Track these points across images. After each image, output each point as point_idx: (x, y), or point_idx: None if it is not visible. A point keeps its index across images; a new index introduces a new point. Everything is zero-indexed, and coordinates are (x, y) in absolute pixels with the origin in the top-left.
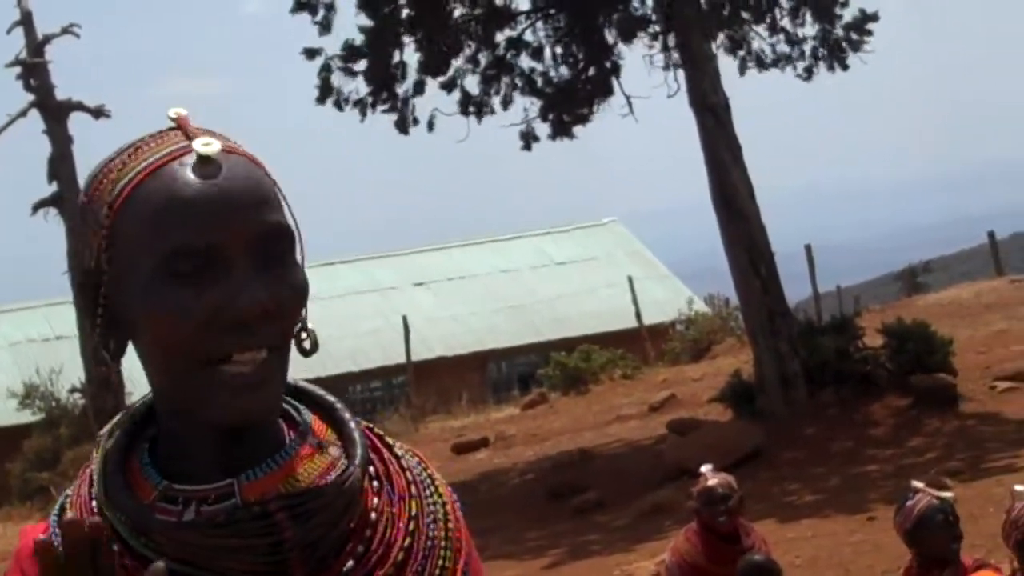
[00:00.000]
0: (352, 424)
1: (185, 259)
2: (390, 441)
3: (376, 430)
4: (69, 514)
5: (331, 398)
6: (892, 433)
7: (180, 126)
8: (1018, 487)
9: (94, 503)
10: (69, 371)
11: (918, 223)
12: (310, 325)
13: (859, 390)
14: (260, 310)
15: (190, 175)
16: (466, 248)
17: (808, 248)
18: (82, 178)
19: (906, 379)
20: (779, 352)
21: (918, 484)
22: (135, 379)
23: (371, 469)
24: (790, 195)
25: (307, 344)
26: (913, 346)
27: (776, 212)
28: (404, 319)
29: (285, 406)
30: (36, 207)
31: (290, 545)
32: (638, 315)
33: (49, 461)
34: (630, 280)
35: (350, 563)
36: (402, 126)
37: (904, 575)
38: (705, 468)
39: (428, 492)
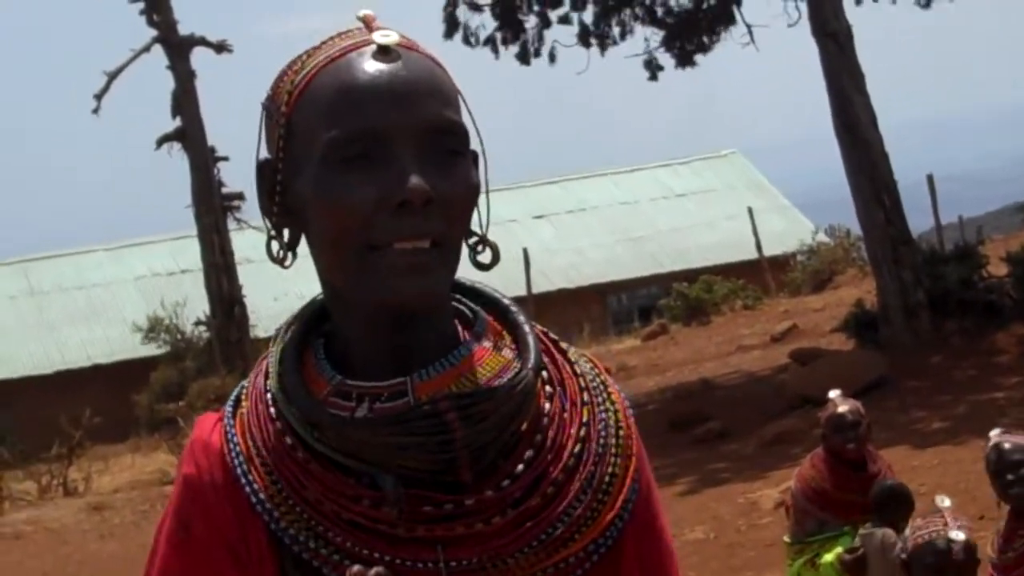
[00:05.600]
0: (526, 327)
1: (354, 144)
2: (564, 346)
3: (551, 334)
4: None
5: (506, 300)
6: (1017, 361)
7: (365, 23)
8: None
9: (269, 395)
10: (194, 304)
11: None
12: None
13: (983, 319)
14: (422, 197)
15: (366, 63)
16: (586, 180)
17: (930, 178)
18: (205, 113)
19: None
20: (902, 281)
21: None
22: (259, 312)
23: (544, 374)
24: (911, 129)
25: (484, 257)
26: None
27: (898, 146)
28: (524, 251)
29: (460, 307)
30: (160, 142)
31: (460, 445)
32: (758, 246)
33: (175, 393)
34: (750, 211)
35: (520, 467)
36: (523, 57)
37: (1009, 515)
38: (833, 394)
39: (601, 399)
